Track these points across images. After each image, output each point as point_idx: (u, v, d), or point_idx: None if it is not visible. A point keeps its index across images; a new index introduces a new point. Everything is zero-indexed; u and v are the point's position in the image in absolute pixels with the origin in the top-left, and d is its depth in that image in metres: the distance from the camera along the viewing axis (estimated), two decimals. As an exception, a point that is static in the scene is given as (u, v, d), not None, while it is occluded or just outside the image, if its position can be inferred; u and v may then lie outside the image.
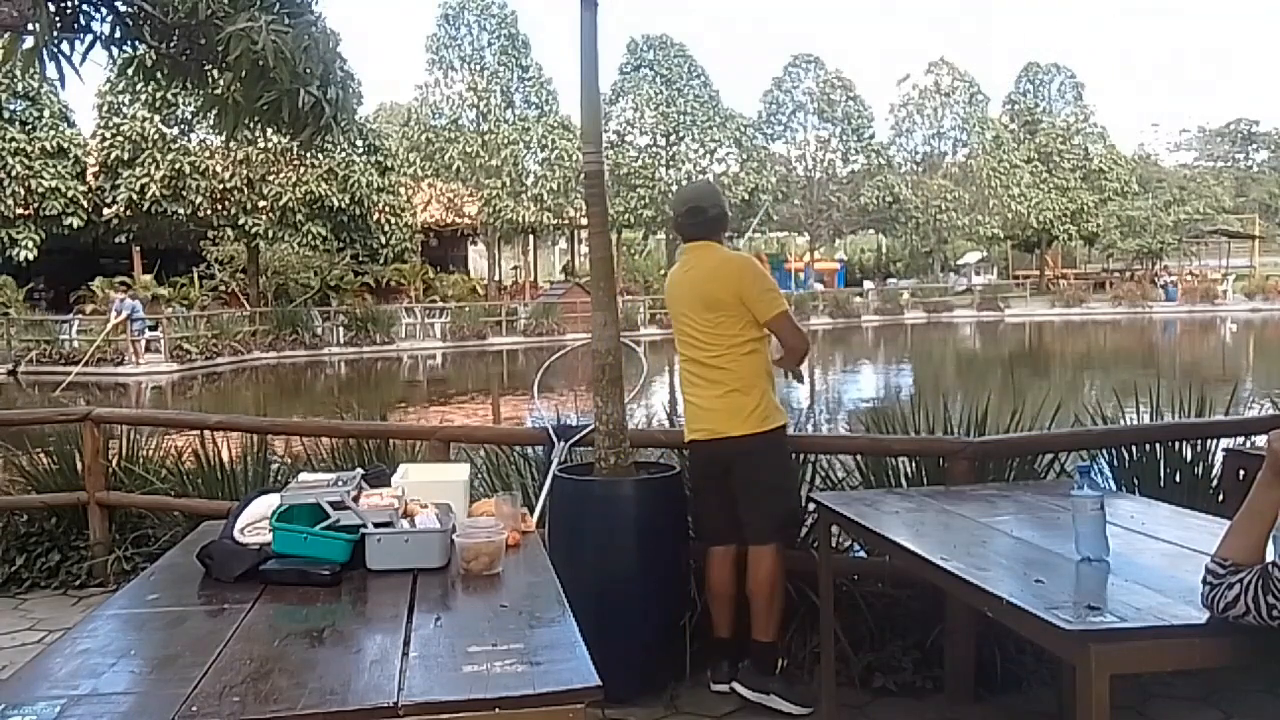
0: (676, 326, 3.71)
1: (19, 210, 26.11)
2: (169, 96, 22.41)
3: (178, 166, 26.32)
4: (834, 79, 43.33)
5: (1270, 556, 1.83)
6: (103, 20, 4.77)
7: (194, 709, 1.58)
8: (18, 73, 18.30)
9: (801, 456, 4.07)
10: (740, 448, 3.49)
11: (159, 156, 26.30)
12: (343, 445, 4.89)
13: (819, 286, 42.41)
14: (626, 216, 38.56)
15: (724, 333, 3.51)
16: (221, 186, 27.21)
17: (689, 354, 3.63)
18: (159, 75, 5.09)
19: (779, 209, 42.67)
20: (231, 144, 24.63)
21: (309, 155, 25.26)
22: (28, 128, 26.48)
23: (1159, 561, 2.28)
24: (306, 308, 28.43)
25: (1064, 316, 37.63)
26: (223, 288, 30.17)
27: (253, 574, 2.29)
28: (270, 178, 27.64)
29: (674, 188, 39.19)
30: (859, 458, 4.17)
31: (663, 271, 40.99)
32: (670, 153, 40.03)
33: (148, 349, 23.54)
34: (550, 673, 1.69)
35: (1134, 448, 4.09)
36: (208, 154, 27.10)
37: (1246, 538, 1.84)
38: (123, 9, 4.76)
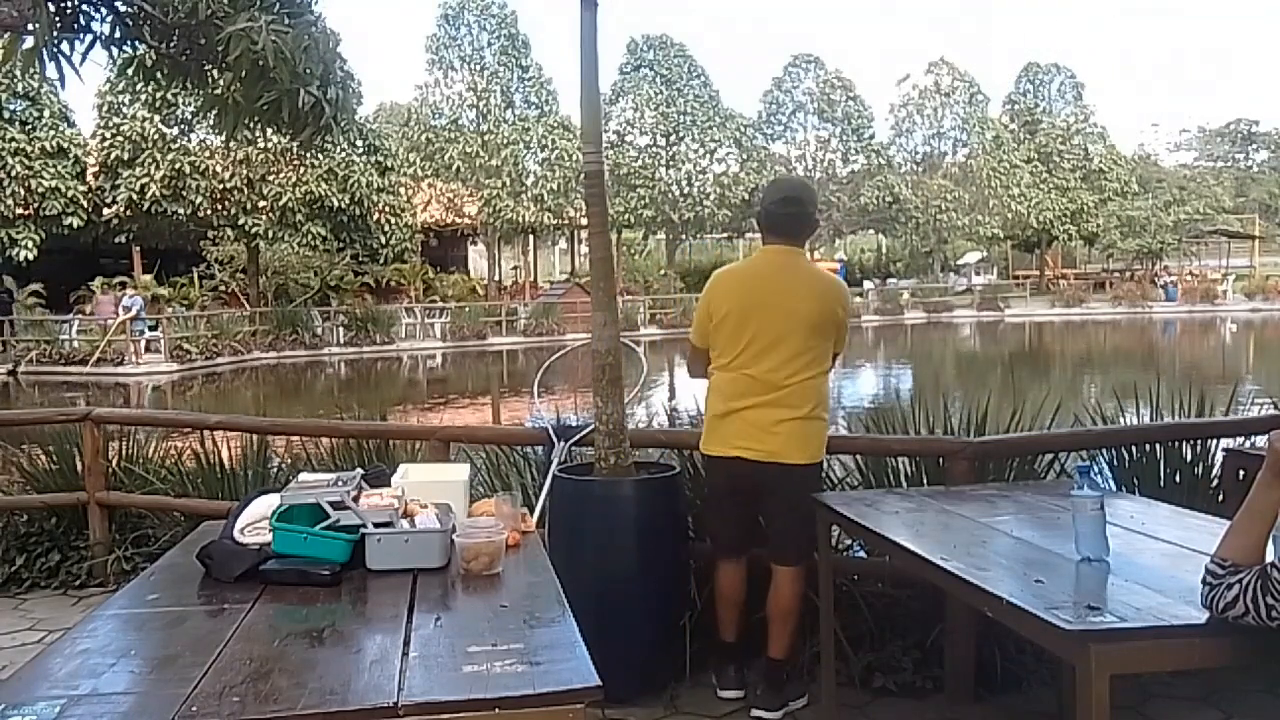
0: (741, 330, 3.41)
1: (19, 210, 26.07)
2: (169, 96, 22.38)
3: (178, 166, 26.30)
4: (834, 79, 43.30)
5: (1270, 557, 1.83)
6: (103, 20, 4.77)
7: (194, 709, 1.58)
8: (18, 73, 18.30)
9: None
10: (792, 474, 3.38)
11: (159, 156, 26.28)
12: (343, 445, 4.89)
13: (819, 286, 42.30)
14: (626, 216, 38.54)
15: (814, 357, 3.38)
16: (221, 186, 27.19)
17: (759, 366, 3.38)
18: (159, 75, 5.08)
19: (779, 209, 42.54)
20: (231, 144, 24.60)
21: (309, 155, 25.25)
22: (28, 128, 26.44)
23: (1159, 561, 2.28)
24: (306, 308, 28.42)
25: (1064, 316, 37.61)
26: (223, 288, 30.16)
27: (253, 574, 2.29)
28: (270, 178, 27.62)
29: (674, 188, 39.22)
30: (859, 458, 4.16)
31: (663, 272, 40.99)
32: (670, 153, 40.01)
33: (147, 349, 23.53)
34: (550, 673, 1.69)
35: (1134, 448, 4.09)
36: (208, 154, 27.07)
37: (1246, 537, 1.84)
38: (123, 9, 4.76)
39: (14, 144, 25.80)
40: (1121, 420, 4.56)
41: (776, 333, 3.37)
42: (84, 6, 4.71)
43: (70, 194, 26.39)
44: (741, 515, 3.55)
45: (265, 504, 2.51)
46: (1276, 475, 1.80)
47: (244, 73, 4.46)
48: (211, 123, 6.90)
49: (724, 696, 3.53)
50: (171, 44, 4.90)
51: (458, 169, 34.88)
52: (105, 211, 26.99)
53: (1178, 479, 4.00)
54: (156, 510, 5.19)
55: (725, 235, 45.19)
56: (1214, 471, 4.02)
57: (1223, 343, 30.69)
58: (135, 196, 26.29)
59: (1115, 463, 4.09)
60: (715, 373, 3.53)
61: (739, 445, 3.43)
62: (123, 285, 26.54)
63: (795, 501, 3.38)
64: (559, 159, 34.99)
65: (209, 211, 27.29)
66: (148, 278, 28.51)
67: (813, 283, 3.47)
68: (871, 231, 49.74)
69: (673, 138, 40.14)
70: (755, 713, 3.42)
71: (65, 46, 4.53)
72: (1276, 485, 1.81)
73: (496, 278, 38.58)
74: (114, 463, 5.36)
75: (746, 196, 37.73)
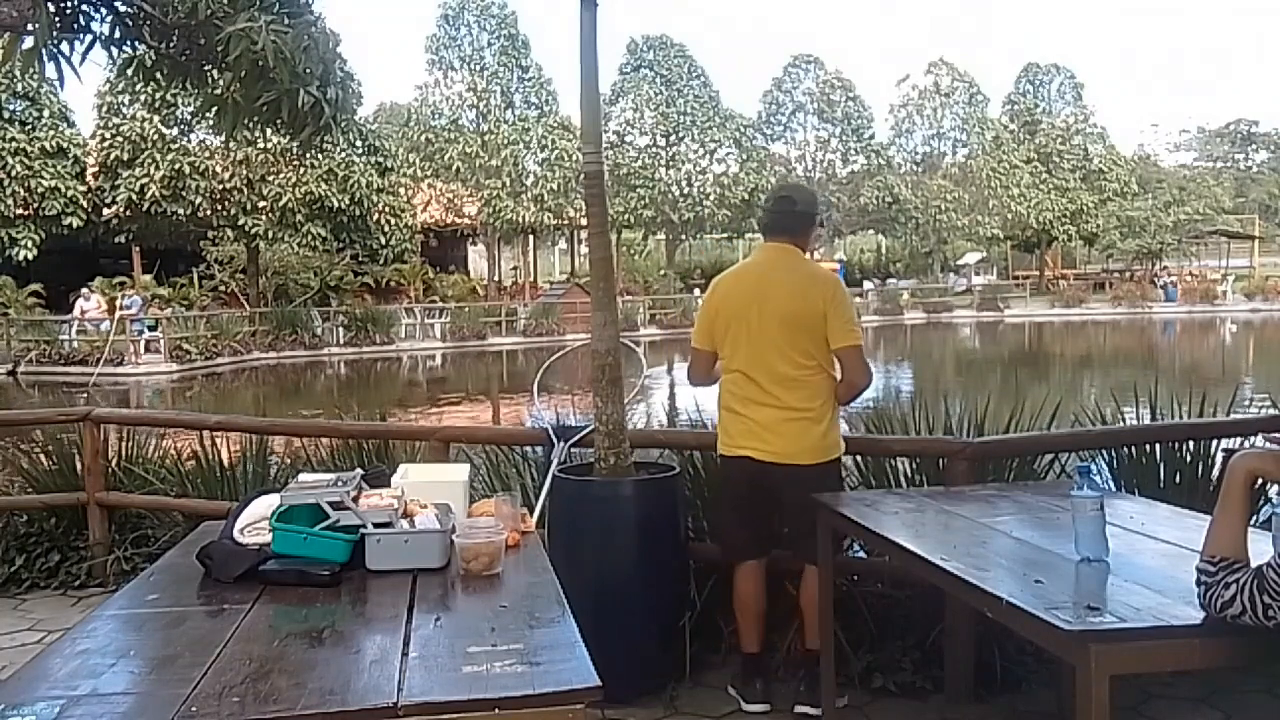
0: (737, 329, 3.42)
1: (19, 210, 26.08)
2: (169, 96, 22.43)
3: (178, 167, 26.30)
4: (834, 79, 43.34)
5: (1266, 557, 1.83)
6: (102, 20, 4.76)
7: (193, 709, 1.58)
8: (18, 73, 18.30)
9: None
10: (801, 475, 3.32)
11: (159, 157, 26.28)
12: (343, 445, 4.89)
13: (819, 287, 42.29)
14: (626, 216, 38.54)
15: (805, 351, 3.33)
16: (221, 187, 27.20)
17: (753, 366, 3.38)
18: (159, 75, 5.07)
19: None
20: (231, 144, 24.64)
21: (309, 155, 25.24)
22: (28, 128, 26.45)
23: (1159, 561, 2.28)
24: (306, 308, 28.42)
25: (1064, 317, 37.60)
26: (222, 288, 30.18)
27: (252, 574, 2.29)
28: (270, 178, 27.62)
29: (674, 188, 39.22)
30: (859, 458, 4.15)
31: (663, 272, 40.97)
32: (670, 153, 40.01)
33: (147, 349, 23.52)
34: (550, 673, 1.69)
35: (1134, 448, 4.09)
36: (208, 154, 27.08)
37: (1228, 530, 1.87)
38: (123, 9, 4.75)
39: (14, 144, 25.82)
40: (1121, 420, 4.56)
41: (765, 330, 3.37)
42: (84, 6, 4.70)
43: (70, 194, 26.39)
44: (755, 517, 3.50)
45: (265, 504, 2.51)
46: (1235, 487, 1.87)
47: (244, 73, 4.45)
48: (211, 123, 6.89)
49: (749, 710, 3.43)
50: (171, 44, 4.89)
51: (457, 169, 34.87)
52: (105, 211, 26.99)
53: (1177, 479, 3.99)
54: (156, 510, 5.19)
55: (725, 235, 45.15)
56: (1214, 471, 4.02)
57: (1222, 343, 30.69)
58: (135, 197, 26.29)
59: (1115, 463, 4.09)
60: (723, 373, 3.54)
61: (747, 445, 3.42)
62: (121, 285, 26.53)
63: (809, 503, 3.29)
64: (559, 159, 34.99)
65: (209, 212, 27.30)
66: (147, 278, 28.51)
67: (796, 278, 3.41)
68: (871, 232, 49.75)
69: (673, 138, 40.14)
70: (799, 709, 3.37)
71: (65, 46, 4.52)
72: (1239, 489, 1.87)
73: (496, 278, 38.58)
74: (114, 463, 5.36)
75: (746, 197, 37.74)
